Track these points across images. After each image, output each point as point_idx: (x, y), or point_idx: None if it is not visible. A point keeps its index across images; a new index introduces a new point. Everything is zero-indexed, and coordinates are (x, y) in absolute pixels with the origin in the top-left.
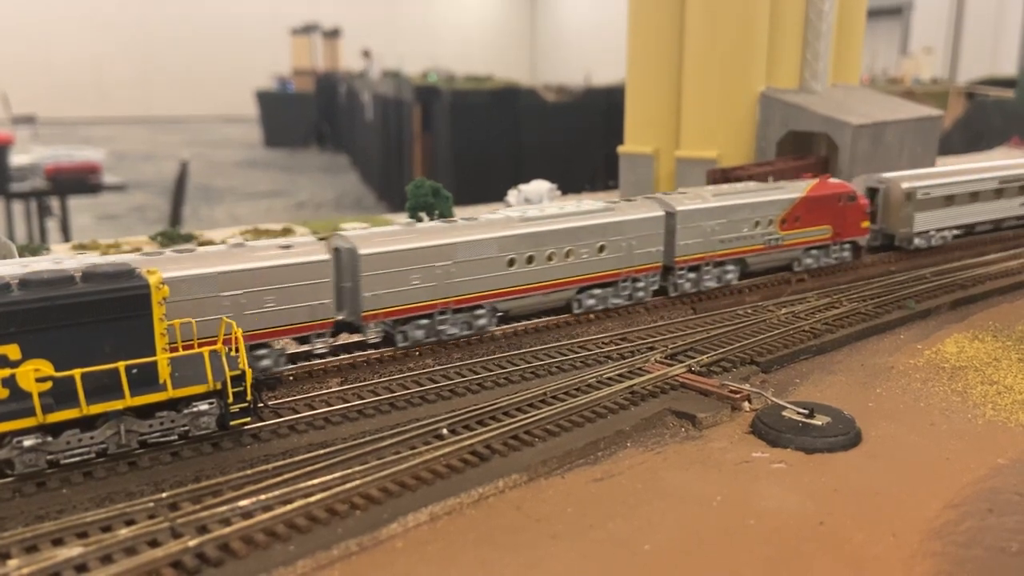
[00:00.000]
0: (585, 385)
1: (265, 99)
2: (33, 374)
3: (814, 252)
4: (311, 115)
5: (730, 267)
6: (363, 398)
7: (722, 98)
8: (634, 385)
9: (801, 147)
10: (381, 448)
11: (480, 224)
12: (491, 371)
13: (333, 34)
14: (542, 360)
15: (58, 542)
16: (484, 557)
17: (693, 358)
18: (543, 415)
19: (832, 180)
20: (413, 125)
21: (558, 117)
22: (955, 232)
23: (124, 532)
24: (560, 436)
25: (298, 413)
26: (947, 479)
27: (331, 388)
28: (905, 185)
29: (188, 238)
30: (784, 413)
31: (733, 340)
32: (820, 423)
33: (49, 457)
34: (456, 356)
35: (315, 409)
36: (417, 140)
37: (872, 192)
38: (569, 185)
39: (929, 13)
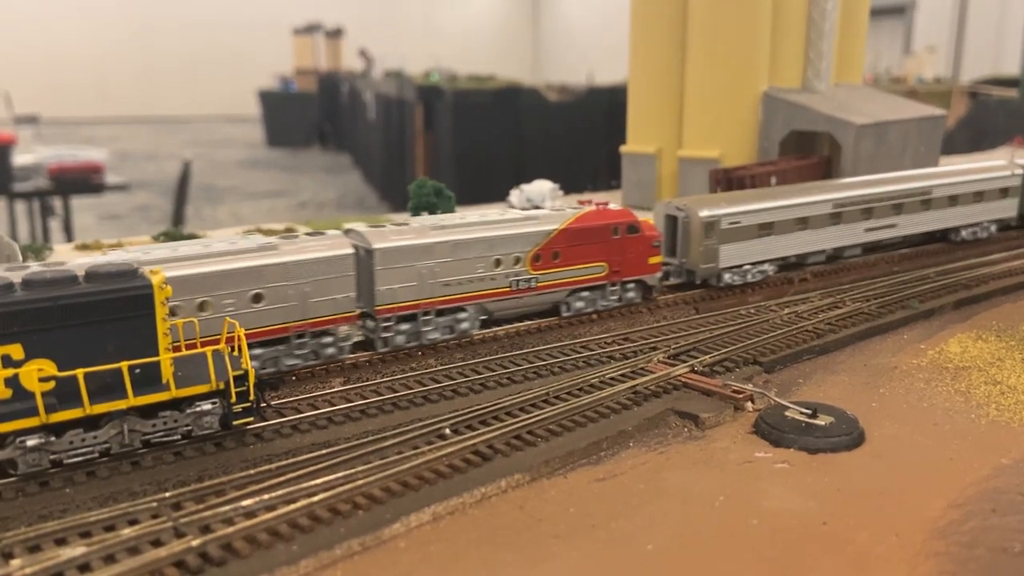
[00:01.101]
0: (588, 385)
1: (267, 99)
2: (36, 374)
3: (585, 294)
4: (313, 115)
5: (464, 315)
6: (366, 398)
7: (725, 97)
8: (637, 385)
9: (804, 147)
10: (384, 448)
11: None
12: (493, 371)
13: (335, 34)
14: (544, 360)
15: (61, 542)
16: (487, 557)
17: (696, 358)
18: (546, 415)
19: (611, 208)
20: (415, 125)
21: (560, 117)
22: (776, 265)
23: (127, 532)
24: (563, 436)
25: (301, 413)
26: (950, 479)
27: (334, 388)
28: (705, 213)
29: (191, 238)
30: (787, 413)
31: (736, 340)
32: (823, 423)
33: (52, 457)
34: (459, 356)
35: (318, 409)
36: (419, 140)
37: (671, 221)
38: (571, 185)
39: (932, 12)
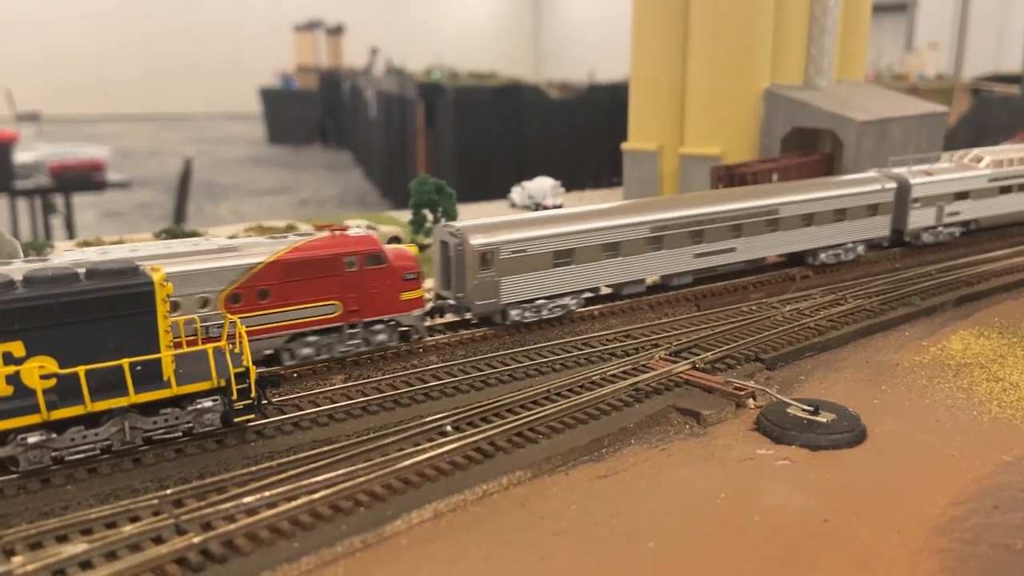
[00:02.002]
0: (589, 382)
1: (269, 96)
2: (37, 371)
3: (313, 339)
4: (315, 112)
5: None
6: (367, 395)
7: (726, 95)
8: (638, 382)
9: (806, 143)
10: (385, 445)
11: None
12: (495, 368)
13: (337, 31)
14: (546, 357)
15: (63, 539)
16: (488, 554)
17: (697, 355)
18: (547, 412)
19: (351, 234)
20: (417, 122)
21: (562, 114)
22: (581, 299)
23: (128, 529)
24: (564, 433)
25: (302, 410)
26: (952, 476)
27: (335, 385)
28: (480, 241)
29: (192, 235)
30: (789, 410)
31: (738, 337)
32: (825, 420)
33: (54, 454)
34: (460, 353)
35: (319, 405)
36: (421, 137)
37: (444, 248)
38: (572, 182)
39: (934, 9)
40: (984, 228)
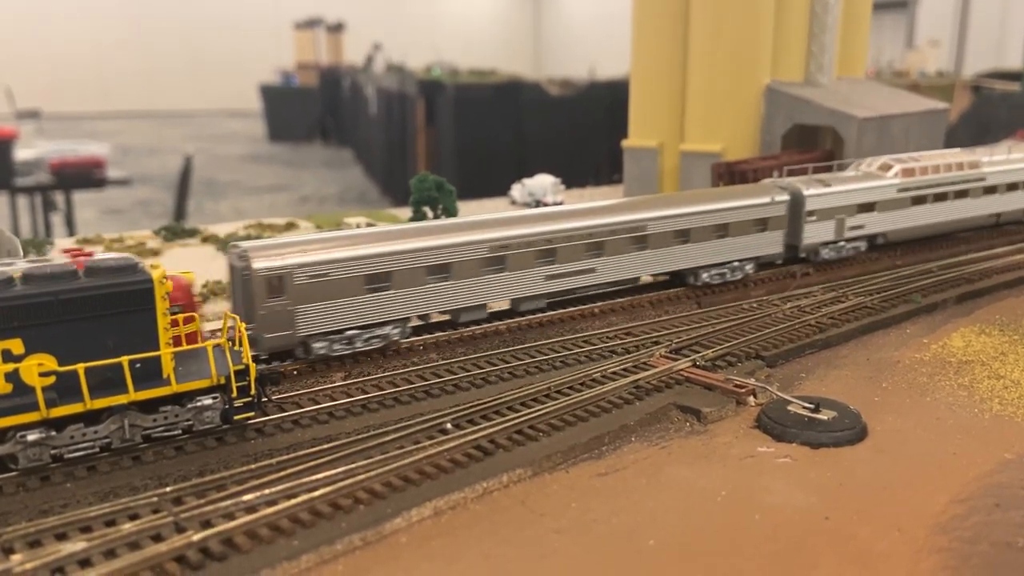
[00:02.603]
0: (589, 380)
1: (269, 93)
2: (37, 368)
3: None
4: (315, 109)
5: None
6: (367, 392)
7: (727, 91)
8: (639, 380)
9: (806, 140)
10: (385, 442)
11: None
12: (495, 366)
13: (337, 28)
14: (546, 355)
15: (62, 537)
16: (488, 551)
17: (698, 352)
18: (547, 410)
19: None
20: (417, 119)
21: (562, 111)
22: (406, 328)
23: (128, 527)
24: (564, 431)
25: (302, 407)
26: (953, 474)
27: (335, 382)
28: (265, 264)
29: (192, 232)
30: (790, 407)
31: (738, 334)
32: (826, 417)
33: (53, 452)
34: (460, 351)
35: (319, 403)
36: (421, 134)
37: (232, 272)
38: (573, 179)
39: (935, 6)
40: (895, 243)
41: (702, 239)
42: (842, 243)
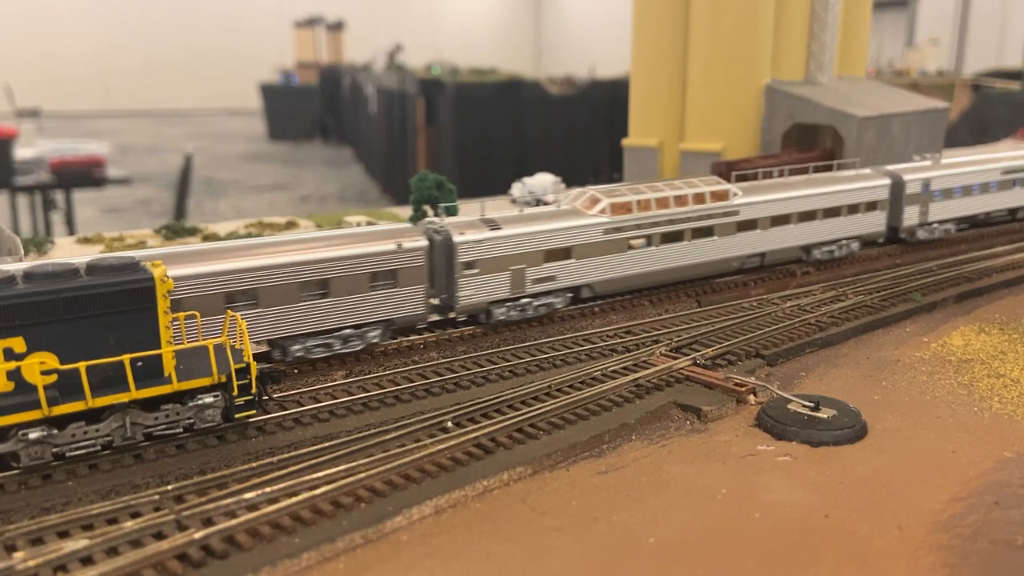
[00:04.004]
0: (590, 378)
1: (269, 92)
2: (38, 367)
3: None
4: (315, 108)
5: None
6: (368, 391)
7: (727, 90)
8: (639, 378)
9: (807, 139)
10: (386, 441)
11: None
12: (495, 364)
13: (337, 27)
14: (546, 353)
15: (64, 534)
16: (489, 549)
17: (698, 351)
18: (548, 408)
19: None
20: (417, 118)
21: (562, 110)
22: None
23: (130, 524)
24: (565, 429)
25: (303, 406)
26: (953, 472)
27: (336, 381)
28: None
29: (192, 231)
30: (790, 406)
31: (738, 333)
32: (826, 416)
33: (55, 450)
34: (460, 349)
35: (320, 402)
36: (421, 133)
37: None
38: (573, 178)
39: (935, 5)
40: (606, 295)
41: (344, 292)
42: (526, 300)
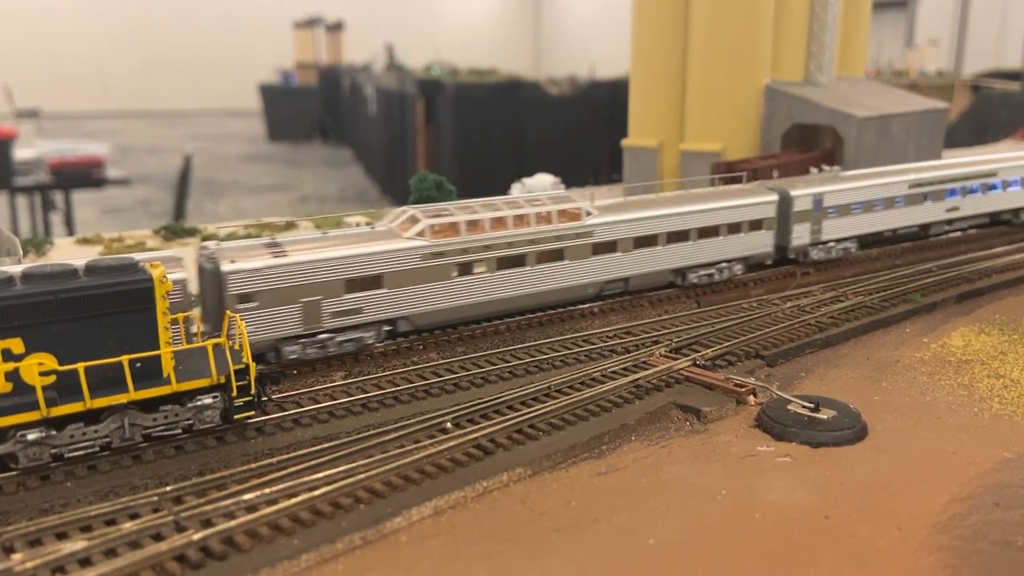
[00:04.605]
0: (589, 379)
1: (268, 92)
2: (37, 368)
3: None
4: (314, 109)
5: None
6: (367, 392)
7: (727, 91)
8: (639, 379)
9: (806, 140)
10: (385, 442)
11: None
12: (495, 365)
13: (336, 27)
14: (546, 354)
15: (62, 536)
16: (488, 551)
17: (698, 352)
18: (547, 409)
19: None
20: (416, 119)
21: (562, 110)
22: None
23: (128, 526)
24: (564, 430)
25: (302, 406)
26: (953, 473)
27: (335, 382)
28: None
29: (192, 232)
30: (789, 407)
31: (738, 334)
32: (826, 417)
33: (53, 451)
34: (460, 350)
35: (319, 403)
36: (420, 134)
37: None
38: (573, 179)
39: (934, 5)
40: (429, 328)
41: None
42: (326, 335)
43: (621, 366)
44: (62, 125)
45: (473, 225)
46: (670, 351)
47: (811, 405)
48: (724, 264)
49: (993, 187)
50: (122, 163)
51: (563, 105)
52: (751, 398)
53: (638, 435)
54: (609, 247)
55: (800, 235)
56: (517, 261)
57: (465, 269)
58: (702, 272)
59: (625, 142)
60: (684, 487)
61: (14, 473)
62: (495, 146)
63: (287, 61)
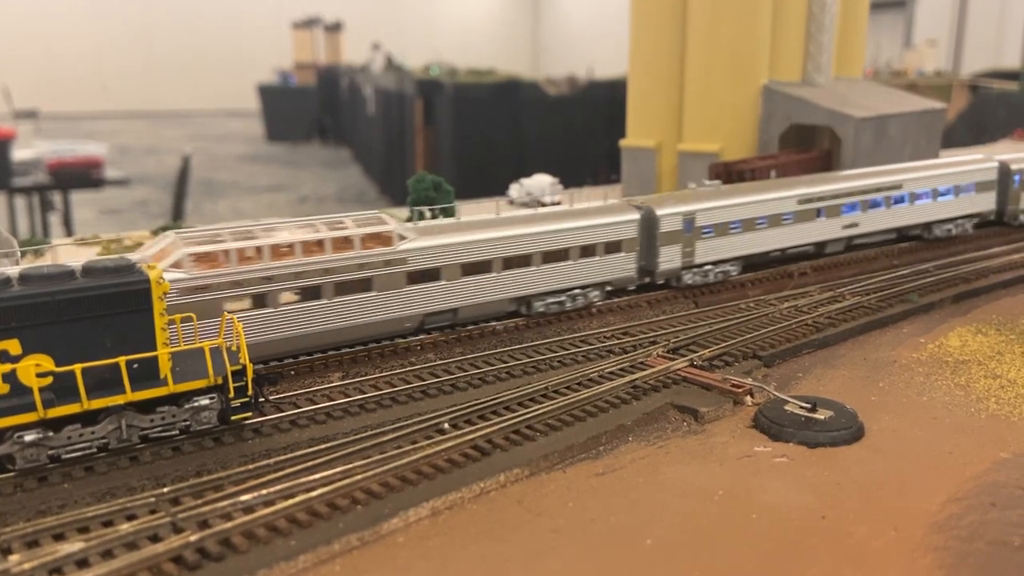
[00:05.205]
0: (587, 379)
1: (267, 93)
2: (34, 369)
3: None
4: (313, 109)
5: None
6: (364, 392)
7: (725, 91)
8: (636, 379)
9: (804, 140)
10: (382, 443)
11: None
12: (492, 365)
13: (335, 27)
14: (543, 355)
15: (59, 537)
16: (485, 551)
17: (695, 352)
18: (544, 409)
19: None
20: (415, 119)
21: (561, 111)
22: None
23: (125, 527)
24: (562, 430)
25: (299, 408)
26: (950, 473)
27: (332, 382)
28: None
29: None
30: (786, 407)
31: (735, 334)
32: (822, 417)
33: (50, 452)
34: (458, 351)
35: (316, 404)
36: (419, 134)
37: None
38: (571, 179)
39: (932, 5)
40: None
41: None
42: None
43: (618, 367)
44: (60, 125)
45: (244, 255)
46: (667, 352)
47: (808, 405)
48: (577, 291)
49: (900, 200)
50: (121, 163)
51: (562, 105)
52: (748, 398)
53: (635, 436)
54: (429, 275)
55: (669, 258)
56: (311, 293)
57: (259, 300)
58: (551, 300)
59: (623, 142)
60: (681, 488)
61: (11, 474)
62: (494, 146)
63: (286, 61)
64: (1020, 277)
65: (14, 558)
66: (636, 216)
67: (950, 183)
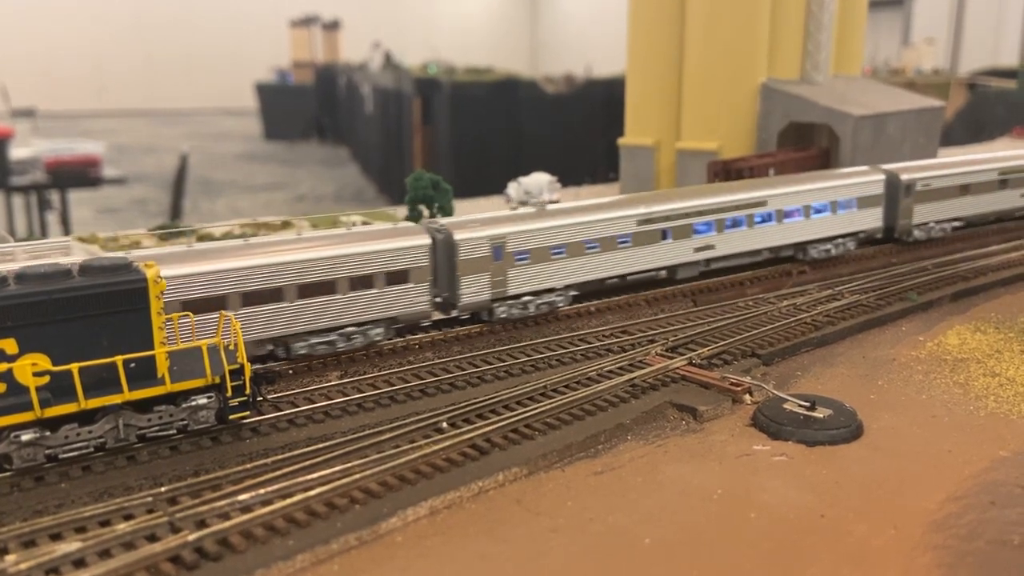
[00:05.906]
0: (585, 378)
1: (264, 91)
2: (31, 368)
3: None
4: (311, 108)
5: None
6: (362, 391)
7: (723, 89)
8: (635, 378)
9: (802, 138)
10: (380, 442)
11: None
12: (491, 364)
13: (332, 26)
14: (542, 353)
15: (56, 537)
16: (484, 551)
17: (694, 351)
18: (543, 408)
19: None
20: (413, 117)
21: (559, 109)
22: None
23: (122, 527)
24: (560, 429)
25: (297, 407)
26: (949, 471)
27: (330, 382)
28: None
29: (189, 231)
30: (785, 406)
31: (734, 332)
32: (821, 416)
33: (47, 451)
34: (456, 349)
35: (315, 402)
36: (417, 132)
37: None
38: (569, 178)
39: (931, 4)
40: None
41: None
42: None
43: (617, 365)
44: (58, 124)
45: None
46: (666, 350)
47: (807, 404)
48: (351, 329)
49: (766, 219)
50: (118, 162)
51: (560, 103)
52: (747, 397)
53: (634, 434)
54: (274, 297)
55: (474, 289)
56: None
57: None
58: (315, 341)
59: (621, 141)
60: (680, 486)
61: (8, 474)
62: (491, 145)
63: (283, 60)
64: (1019, 275)
65: (11, 558)
66: (426, 241)
67: (825, 199)
